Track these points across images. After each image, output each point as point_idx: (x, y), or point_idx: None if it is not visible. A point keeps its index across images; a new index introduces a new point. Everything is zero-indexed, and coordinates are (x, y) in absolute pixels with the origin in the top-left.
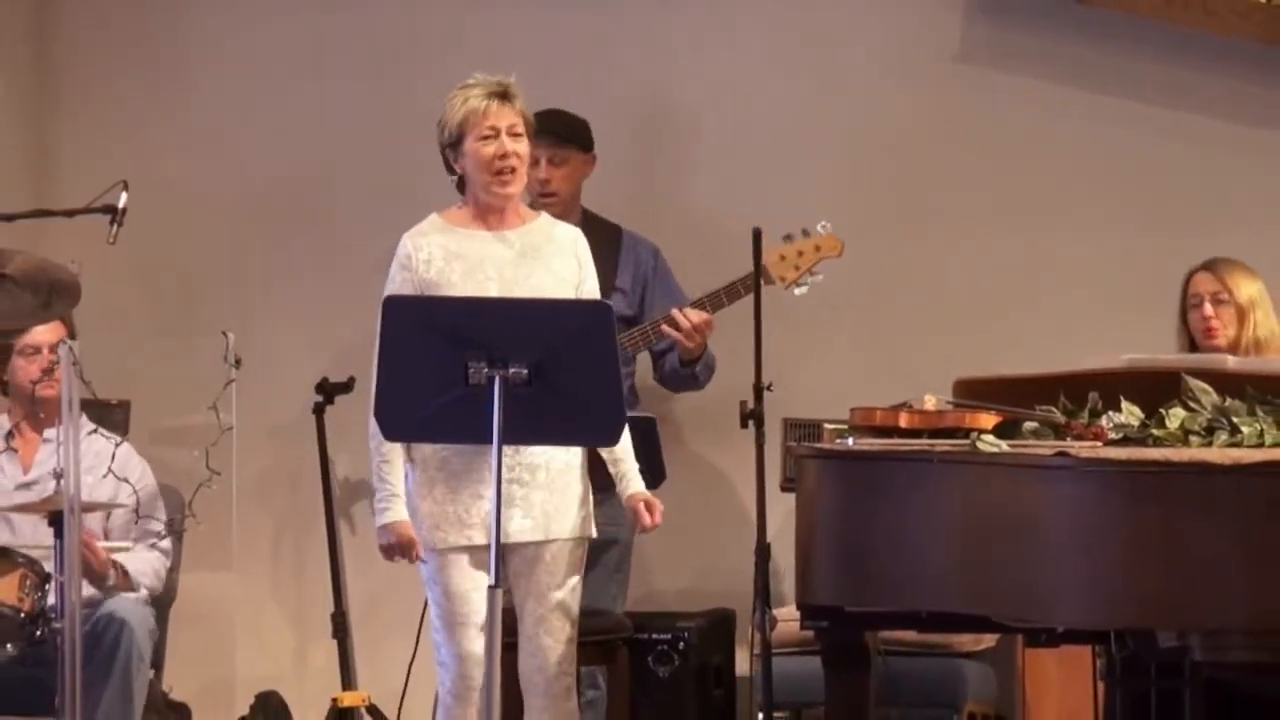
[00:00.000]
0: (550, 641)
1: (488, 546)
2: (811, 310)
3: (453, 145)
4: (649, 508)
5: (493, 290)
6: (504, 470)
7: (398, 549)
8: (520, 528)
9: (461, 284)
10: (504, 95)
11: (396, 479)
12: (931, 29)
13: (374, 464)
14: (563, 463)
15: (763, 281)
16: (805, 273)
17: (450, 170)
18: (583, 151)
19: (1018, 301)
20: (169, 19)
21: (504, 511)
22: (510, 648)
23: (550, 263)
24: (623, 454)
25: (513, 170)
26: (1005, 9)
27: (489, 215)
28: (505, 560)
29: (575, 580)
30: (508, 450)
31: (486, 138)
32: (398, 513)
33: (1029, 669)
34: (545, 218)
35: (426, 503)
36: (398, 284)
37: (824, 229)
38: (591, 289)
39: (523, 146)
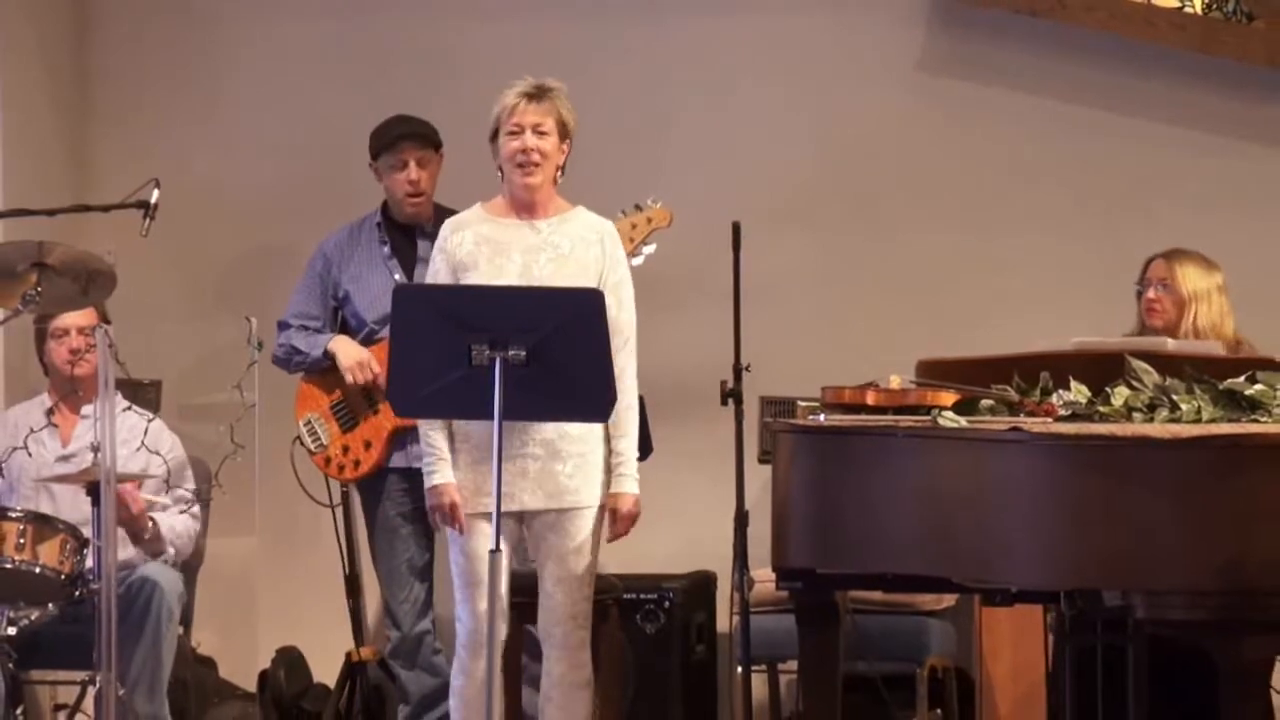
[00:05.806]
0: (567, 600)
1: (503, 514)
2: (787, 297)
3: (493, 139)
4: (615, 519)
5: (511, 271)
6: (520, 445)
7: (439, 511)
8: (534, 498)
9: (486, 266)
10: (536, 95)
11: (440, 444)
12: (896, 40)
13: (420, 430)
14: (578, 435)
15: None
16: (640, 244)
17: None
18: (437, 152)
19: (976, 289)
20: (198, 31)
21: (519, 483)
22: (528, 607)
23: (574, 251)
24: (626, 448)
25: (534, 164)
26: (964, 22)
27: (521, 207)
28: (527, 525)
29: (591, 544)
30: (524, 426)
31: (513, 133)
32: (444, 475)
33: (986, 626)
34: (580, 211)
35: (456, 472)
36: (436, 265)
37: (654, 203)
38: (619, 279)
39: (548, 143)
